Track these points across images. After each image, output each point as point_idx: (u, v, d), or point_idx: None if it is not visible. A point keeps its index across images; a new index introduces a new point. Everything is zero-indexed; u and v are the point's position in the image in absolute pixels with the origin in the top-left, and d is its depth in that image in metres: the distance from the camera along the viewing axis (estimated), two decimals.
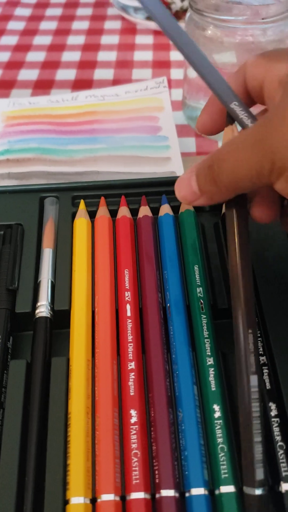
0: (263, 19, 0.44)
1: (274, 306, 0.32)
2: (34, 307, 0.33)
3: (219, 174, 0.25)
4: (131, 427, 0.28)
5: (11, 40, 0.72)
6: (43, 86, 0.62)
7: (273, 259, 0.35)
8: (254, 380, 0.25)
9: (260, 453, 0.25)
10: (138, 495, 0.26)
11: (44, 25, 0.76)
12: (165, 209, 0.38)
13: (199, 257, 0.35)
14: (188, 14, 0.48)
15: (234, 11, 0.45)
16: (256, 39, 0.46)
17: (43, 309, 0.33)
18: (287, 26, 0.47)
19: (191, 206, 0.38)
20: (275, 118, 0.23)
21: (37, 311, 0.33)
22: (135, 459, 0.27)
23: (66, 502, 0.26)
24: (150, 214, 0.38)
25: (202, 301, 0.33)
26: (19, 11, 0.79)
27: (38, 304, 0.33)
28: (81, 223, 0.37)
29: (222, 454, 0.27)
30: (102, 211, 0.38)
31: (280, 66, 0.26)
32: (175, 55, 0.67)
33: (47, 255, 0.36)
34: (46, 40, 0.72)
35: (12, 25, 0.76)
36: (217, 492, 0.26)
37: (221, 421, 0.28)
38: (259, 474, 0.25)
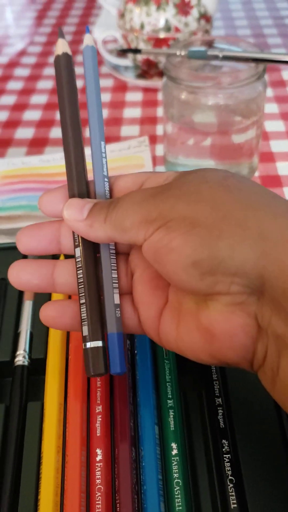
0: (229, 84, 0.49)
1: None
2: (13, 355, 0.37)
3: (112, 213, 0.27)
4: (96, 464, 0.31)
5: (10, 100, 0.77)
6: (37, 144, 0.66)
7: None
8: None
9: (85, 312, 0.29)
10: None
11: (41, 84, 0.81)
12: None
13: None
14: (163, 80, 0.53)
15: (204, 78, 0.50)
16: (225, 102, 0.50)
17: (21, 357, 0.36)
18: (256, 87, 0.51)
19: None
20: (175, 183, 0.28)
21: (16, 359, 0.36)
22: (99, 494, 0.30)
23: None
24: None
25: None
26: (18, 72, 0.85)
27: (17, 353, 0.36)
28: None
29: (177, 488, 0.30)
30: None
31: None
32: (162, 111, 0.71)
33: (28, 306, 0.39)
34: (42, 99, 0.76)
35: (11, 85, 0.81)
36: None
37: (177, 458, 0.31)
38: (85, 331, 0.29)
